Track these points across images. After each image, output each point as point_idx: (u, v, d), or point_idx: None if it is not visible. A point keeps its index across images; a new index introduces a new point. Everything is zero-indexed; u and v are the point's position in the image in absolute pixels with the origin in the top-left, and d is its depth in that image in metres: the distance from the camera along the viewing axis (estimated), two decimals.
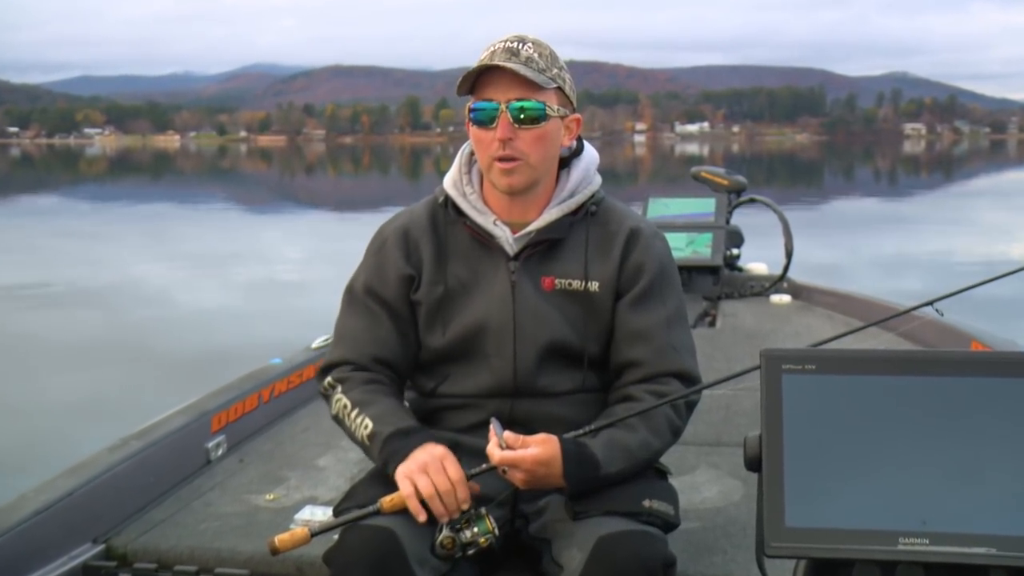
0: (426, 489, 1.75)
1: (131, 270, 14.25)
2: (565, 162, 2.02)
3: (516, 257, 1.97)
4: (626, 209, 2.07)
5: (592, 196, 2.02)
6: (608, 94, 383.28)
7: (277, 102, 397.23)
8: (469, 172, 2.04)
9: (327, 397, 2.01)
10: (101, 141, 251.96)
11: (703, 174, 6.91)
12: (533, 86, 1.87)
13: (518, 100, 1.87)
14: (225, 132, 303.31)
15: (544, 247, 1.97)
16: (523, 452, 1.74)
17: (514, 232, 1.97)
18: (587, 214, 2.00)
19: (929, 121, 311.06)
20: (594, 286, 1.96)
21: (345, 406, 1.94)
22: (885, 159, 79.44)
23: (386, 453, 1.84)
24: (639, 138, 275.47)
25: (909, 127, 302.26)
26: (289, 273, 13.94)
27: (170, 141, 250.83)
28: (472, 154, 2.04)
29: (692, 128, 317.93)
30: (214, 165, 76.20)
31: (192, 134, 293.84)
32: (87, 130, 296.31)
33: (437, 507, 1.75)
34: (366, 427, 1.89)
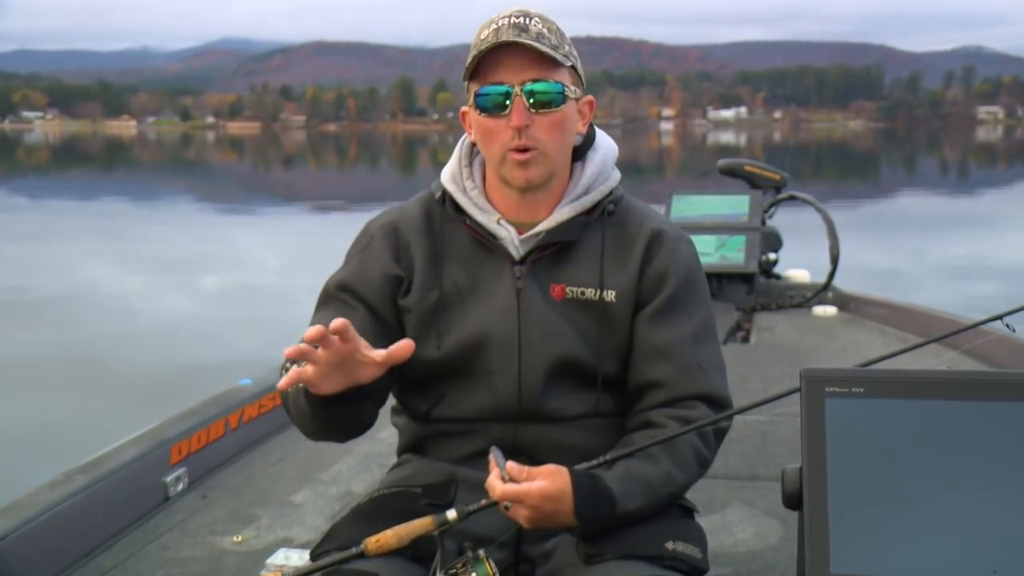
0: (308, 333, 1.60)
1: (81, 276, 14.29)
2: (578, 153, 2.03)
3: (522, 261, 1.97)
4: (647, 209, 2.08)
5: (609, 194, 2.03)
6: (631, 75, 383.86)
7: (250, 83, 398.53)
8: (470, 165, 2.04)
9: (284, 395, 1.92)
10: (43, 126, 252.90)
11: (747, 167, 6.94)
12: (548, 65, 1.88)
13: (533, 81, 1.88)
14: (189, 117, 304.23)
15: (554, 251, 1.98)
16: (528, 486, 1.74)
17: (520, 233, 1.98)
18: (603, 213, 2.01)
19: (1008, 103, 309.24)
20: (610, 296, 1.97)
21: (285, 368, 1.84)
22: (954, 148, 79.35)
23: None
24: (666, 125, 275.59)
25: (983, 110, 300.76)
26: (264, 279, 13.97)
27: (125, 127, 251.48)
28: (473, 144, 2.04)
29: (727, 114, 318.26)
30: (177, 155, 76.41)
31: (151, 119, 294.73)
32: (25, 113, 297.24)
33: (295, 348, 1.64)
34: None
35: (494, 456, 1.79)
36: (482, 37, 1.89)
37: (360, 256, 2.04)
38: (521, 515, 1.76)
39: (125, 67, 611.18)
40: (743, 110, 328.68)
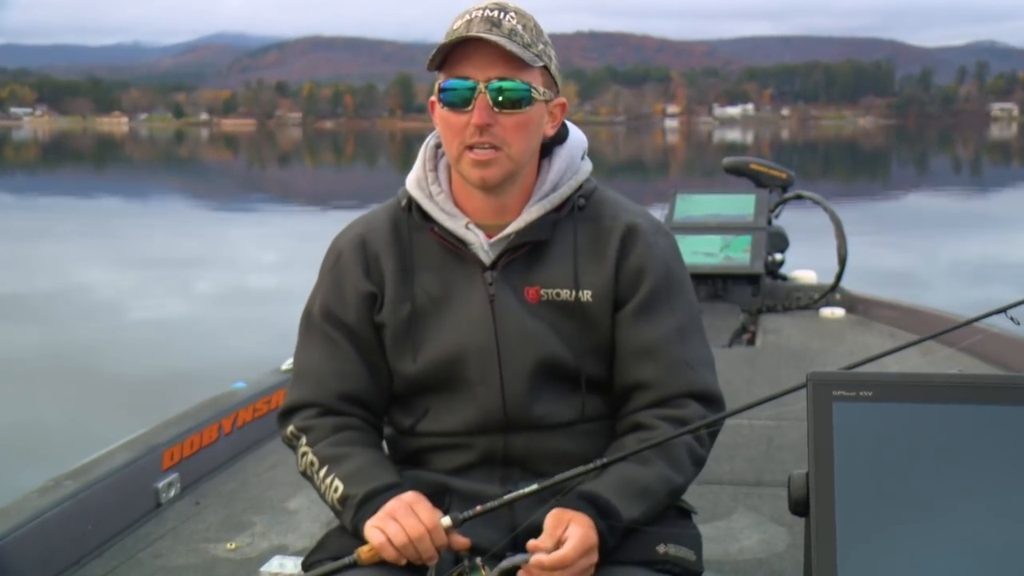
0: (397, 536, 1.76)
1: (72, 276, 14.29)
2: (546, 149, 2.01)
3: (493, 266, 1.95)
4: (621, 200, 2.05)
5: (579, 188, 2.00)
6: (635, 71, 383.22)
7: (244, 79, 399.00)
8: (435, 169, 2.02)
9: (292, 447, 2.03)
10: (32, 123, 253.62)
11: (752, 166, 6.94)
12: (517, 63, 1.85)
13: (499, 79, 1.85)
14: (182, 114, 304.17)
15: (525, 252, 1.95)
16: (580, 538, 1.72)
17: (489, 236, 1.96)
18: (574, 209, 1.99)
19: (1022, 99, 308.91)
20: (586, 296, 1.94)
21: (312, 463, 1.95)
22: (967, 146, 79.40)
23: (359, 517, 1.85)
24: (671, 123, 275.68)
25: (997, 107, 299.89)
26: (259, 280, 13.97)
27: (116, 124, 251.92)
28: (438, 146, 2.03)
29: (733, 111, 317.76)
30: (170, 153, 76.48)
31: (143, 116, 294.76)
32: (14, 109, 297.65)
33: (411, 554, 1.76)
34: (336, 490, 1.89)
35: (516, 560, 1.77)
36: (454, 27, 1.87)
37: (331, 275, 2.03)
38: (591, 564, 1.75)
39: (116, 62, 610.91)
40: (750, 107, 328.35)
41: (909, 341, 2.18)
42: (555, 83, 1.95)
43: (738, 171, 6.99)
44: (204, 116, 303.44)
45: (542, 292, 1.94)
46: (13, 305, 11.92)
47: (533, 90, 1.87)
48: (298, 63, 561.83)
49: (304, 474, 1.98)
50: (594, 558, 1.75)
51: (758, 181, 6.86)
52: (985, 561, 1.35)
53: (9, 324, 10.81)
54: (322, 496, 1.94)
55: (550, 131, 1.97)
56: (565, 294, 1.94)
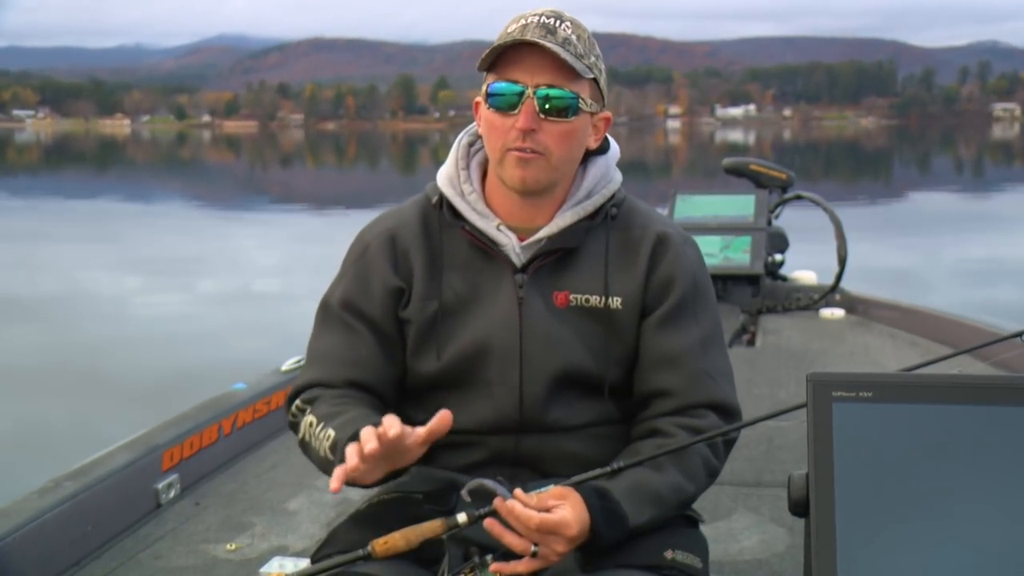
0: (368, 441, 1.65)
1: (75, 278, 14.31)
2: (582, 158, 2.00)
3: (524, 269, 1.96)
4: (651, 211, 2.07)
5: (612, 197, 2.01)
6: (637, 72, 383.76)
7: (246, 81, 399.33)
8: (467, 167, 2.02)
9: (295, 425, 1.99)
10: (34, 125, 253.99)
11: (752, 166, 6.94)
12: (568, 72, 1.86)
13: (548, 86, 1.86)
14: (184, 116, 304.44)
15: (557, 257, 1.96)
16: (564, 514, 1.72)
17: (521, 239, 1.96)
18: (606, 217, 2.00)
19: None
20: (616, 303, 1.95)
21: (311, 424, 1.91)
22: (969, 146, 79.40)
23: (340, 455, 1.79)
24: (673, 123, 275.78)
25: (999, 107, 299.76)
26: (260, 282, 13.98)
27: (118, 126, 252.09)
28: (470, 144, 2.03)
29: (735, 112, 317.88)
30: (172, 155, 76.60)
31: (145, 118, 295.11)
32: (16, 111, 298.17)
33: (374, 451, 1.65)
34: (328, 438, 1.85)
35: (490, 485, 1.77)
36: (508, 31, 1.87)
37: (356, 267, 2.02)
38: (556, 551, 1.73)
39: (118, 64, 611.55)
40: (752, 108, 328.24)
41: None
42: (602, 97, 1.95)
43: (738, 172, 7.00)
44: (206, 118, 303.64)
45: (571, 297, 1.95)
46: (16, 306, 11.93)
47: (581, 100, 1.88)
48: (300, 65, 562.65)
49: (303, 442, 1.94)
50: (563, 547, 1.73)
51: (758, 182, 6.87)
52: (985, 561, 1.35)
53: (11, 325, 10.82)
54: (317, 457, 1.89)
55: (593, 144, 1.98)
56: (595, 300, 1.95)
